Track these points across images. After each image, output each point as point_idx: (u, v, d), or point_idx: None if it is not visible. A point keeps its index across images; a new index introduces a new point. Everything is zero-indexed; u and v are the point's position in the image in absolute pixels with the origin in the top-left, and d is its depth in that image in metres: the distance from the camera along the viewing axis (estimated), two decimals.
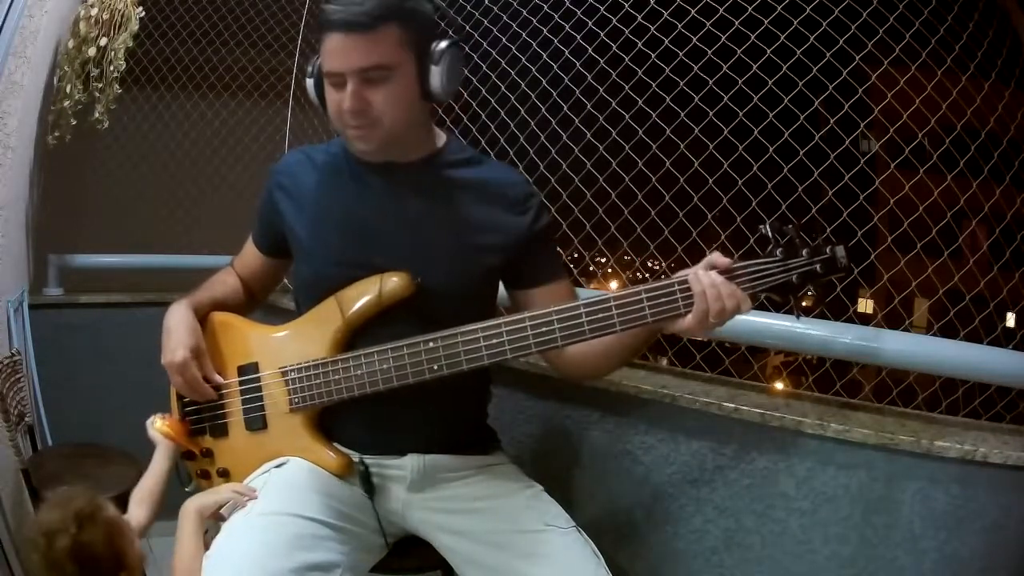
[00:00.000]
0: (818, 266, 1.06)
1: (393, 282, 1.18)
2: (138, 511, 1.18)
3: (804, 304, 1.13)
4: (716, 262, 1.06)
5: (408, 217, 1.22)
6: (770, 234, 1.06)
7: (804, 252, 1.06)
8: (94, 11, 2.16)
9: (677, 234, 1.78)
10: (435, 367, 1.12)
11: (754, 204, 1.64)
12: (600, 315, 1.07)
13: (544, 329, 1.08)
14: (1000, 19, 1.57)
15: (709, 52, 1.65)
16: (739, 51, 1.63)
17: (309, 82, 1.19)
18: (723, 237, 1.69)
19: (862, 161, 1.61)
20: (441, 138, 1.28)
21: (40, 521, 1.07)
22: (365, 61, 1.10)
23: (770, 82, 1.60)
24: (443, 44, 1.14)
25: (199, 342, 1.25)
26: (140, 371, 1.41)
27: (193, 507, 1.17)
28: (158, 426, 1.27)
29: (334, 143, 1.30)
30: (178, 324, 1.24)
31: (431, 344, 1.12)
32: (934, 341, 1.44)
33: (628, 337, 1.14)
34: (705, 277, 1.04)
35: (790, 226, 1.07)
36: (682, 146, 1.73)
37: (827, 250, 1.06)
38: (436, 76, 1.14)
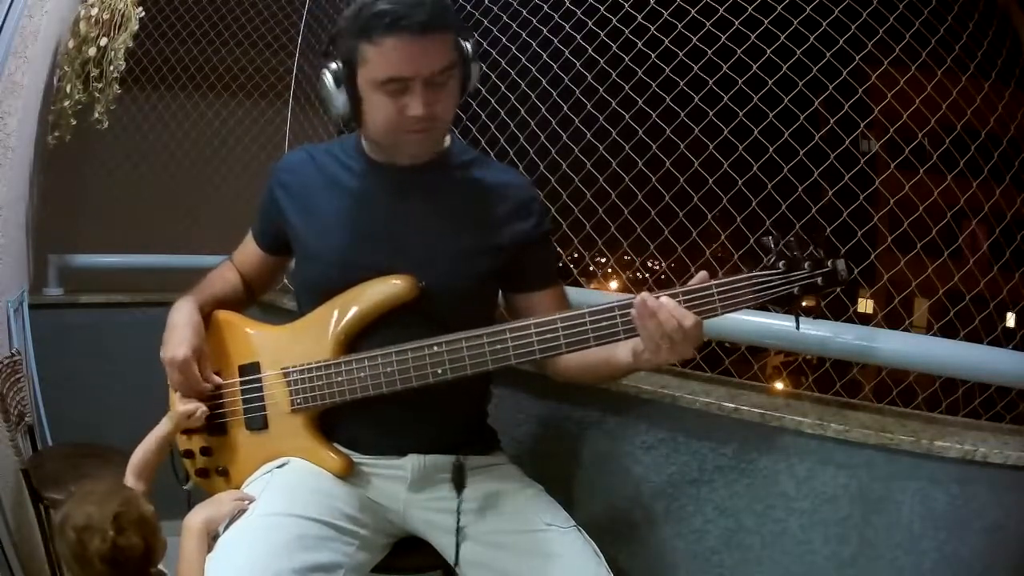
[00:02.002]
0: (819, 279, 1.06)
1: (397, 285, 1.18)
2: (136, 484, 1.15)
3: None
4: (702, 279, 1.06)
5: (412, 219, 1.22)
6: (772, 245, 1.06)
7: (806, 265, 1.05)
8: (94, 11, 2.16)
9: (677, 234, 1.78)
10: (439, 371, 1.12)
11: (754, 204, 1.64)
12: (604, 322, 1.07)
13: (549, 336, 1.08)
14: (1000, 19, 1.57)
15: (709, 52, 1.65)
16: (739, 51, 1.63)
17: (333, 91, 1.12)
18: (723, 237, 1.69)
19: (862, 161, 1.61)
20: (446, 139, 1.28)
21: (72, 515, 1.00)
22: (437, 63, 1.07)
23: (770, 82, 1.60)
24: (473, 40, 1.14)
25: (202, 343, 1.25)
26: (140, 371, 1.41)
27: (199, 521, 1.12)
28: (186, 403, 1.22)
29: (336, 143, 1.30)
30: (184, 322, 1.24)
31: (436, 348, 1.12)
32: (933, 341, 1.44)
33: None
34: (650, 299, 1.02)
35: (792, 239, 1.06)
36: (682, 146, 1.73)
37: (828, 263, 1.06)
38: (475, 73, 1.15)
